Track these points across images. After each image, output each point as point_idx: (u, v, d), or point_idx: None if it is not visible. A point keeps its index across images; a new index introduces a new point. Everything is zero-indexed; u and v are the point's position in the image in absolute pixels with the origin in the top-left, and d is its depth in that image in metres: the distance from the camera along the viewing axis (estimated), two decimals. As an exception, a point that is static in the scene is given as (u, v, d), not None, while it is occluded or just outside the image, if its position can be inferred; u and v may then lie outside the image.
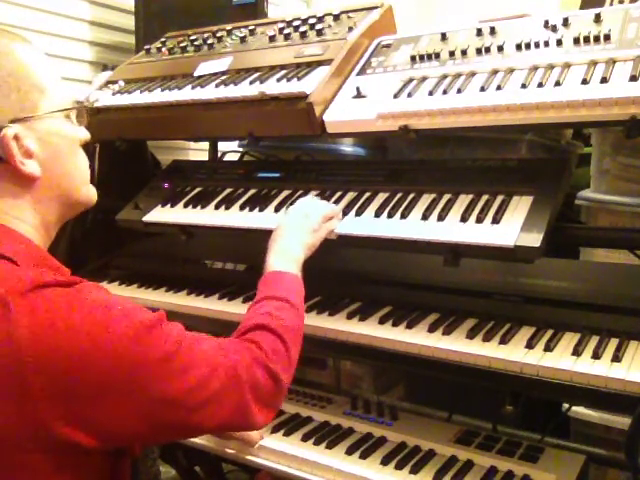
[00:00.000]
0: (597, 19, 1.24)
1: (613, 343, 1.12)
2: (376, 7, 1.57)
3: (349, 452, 1.28)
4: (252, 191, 1.54)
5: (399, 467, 1.22)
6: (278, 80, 1.43)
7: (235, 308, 1.44)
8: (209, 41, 1.75)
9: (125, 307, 0.88)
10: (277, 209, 1.43)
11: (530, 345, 1.13)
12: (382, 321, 1.28)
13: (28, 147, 0.92)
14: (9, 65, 0.92)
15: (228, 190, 1.58)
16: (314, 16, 1.62)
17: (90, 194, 1.05)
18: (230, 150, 2.05)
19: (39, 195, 0.96)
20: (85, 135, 1.05)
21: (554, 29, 1.27)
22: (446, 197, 1.27)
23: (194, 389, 0.89)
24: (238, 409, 0.95)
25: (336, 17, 1.59)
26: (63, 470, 0.84)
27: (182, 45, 1.83)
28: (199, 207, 1.54)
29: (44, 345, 0.80)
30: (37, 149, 0.94)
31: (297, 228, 1.22)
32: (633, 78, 1.06)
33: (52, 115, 0.96)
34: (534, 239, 1.08)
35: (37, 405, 0.79)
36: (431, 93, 1.24)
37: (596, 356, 1.07)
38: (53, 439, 0.81)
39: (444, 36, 1.39)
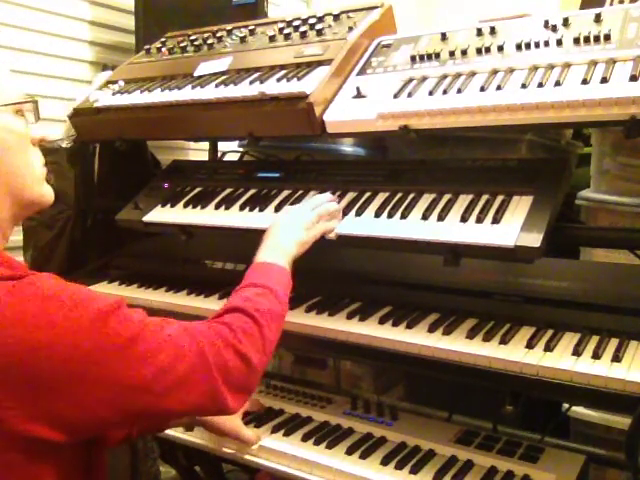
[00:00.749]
0: (597, 19, 1.24)
1: (613, 343, 1.12)
2: (376, 7, 1.57)
3: (349, 452, 1.28)
4: (252, 191, 1.54)
5: (399, 467, 1.22)
6: (278, 80, 1.43)
7: (235, 308, 1.44)
8: (209, 41, 1.75)
9: (80, 295, 0.87)
10: (277, 209, 1.43)
11: (530, 345, 1.13)
12: (382, 321, 1.28)
13: None
14: None
15: (228, 190, 1.58)
16: (314, 16, 1.62)
17: (44, 193, 1.02)
18: (230, 150, 2.05)
19: None
20: (39, 134, 1.01)
21: (554, 29, 1.27)
22: (446, 197, 1.27)
23: (160, 374, 0.88)
24: (208, 392, 0.94)
25: (336, 17, 1.59)
26: (39, 466, 0.84)
27: (182, 45, 1.83)
28: (199, 207, 1.54)
29: None
30: None
31: (290, 225, 1.23)
32: (633, 78, 1.05)
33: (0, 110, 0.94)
34: (534, 239, 1.08)
35: None
36: (431, 93, 1.24)
37: (596, 356, 1.07)
38: (20, 437, 0.80)
39: (444, 36, 1.39)
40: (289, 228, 1.22)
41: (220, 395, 0.95)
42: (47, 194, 1.03)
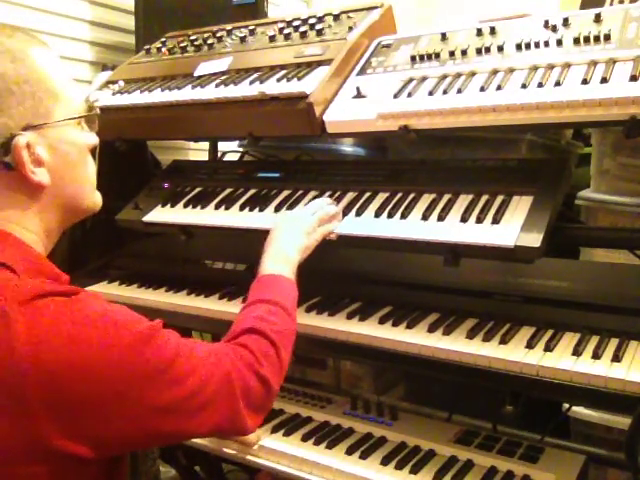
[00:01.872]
0: (597, 19, 1.24)
1: (613, 343, 1.12)
2: (376, 7, 1.57)
3: (349, 452, 1.28)
4: (252, 191, 1.54)
5: (399, 467, 1.22)
6: (278, 80, 1.43)
7: (235, 308, 1.43)
8: (209, 41, 1.75)
9: (124, 317, 0.88)
10: (277, 209, 1.42)
11: (530, 345, 1.13)
12: (382, 321, 1.28)
13: (39, 155, 0.91)
14: (25, 71, 0.90)
15: (228, 190, 1.58)
16: (314, 16, 1.62)
17: (96, 200, 1.04)
18: (230, 150, 2.05)
19: (45, 203, 0.94)
20: (94, 140, 1.03)
21: (554, 29, 1.27)
22: (446, 197, 1.27)
23: (190, 397, 0.89)
24: (230, 414, 0.95)
25: (336, 17, 1.59)
26: (60, 479, 0.84)
27: (182, 45, 1.83)
28: (199, 207, 1.54)
29: (44, 356, 0.79)
30: (47, 157, 0.92)
31: (292, 231, 1.22)
32: (633, 78, 1.05)
33: (65, 123, 0.95)
34: (534, 239, 1.08)
35: (36, 418, 0.79)
36: (431, 93, 1.24)
37: (596, 356, 1.07)
38: (51, 451, 0.80)
39: (444, 36, 1.39)
40: (291, 235, 1.22)
41: (241, 417, 0.96)
42: (98, 201, 1.05)
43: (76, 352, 0.81)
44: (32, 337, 0.79)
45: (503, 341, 1.15)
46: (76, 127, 0.98)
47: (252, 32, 1.71)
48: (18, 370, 0.78)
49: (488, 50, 1.30)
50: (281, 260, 1.18)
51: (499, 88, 1.18)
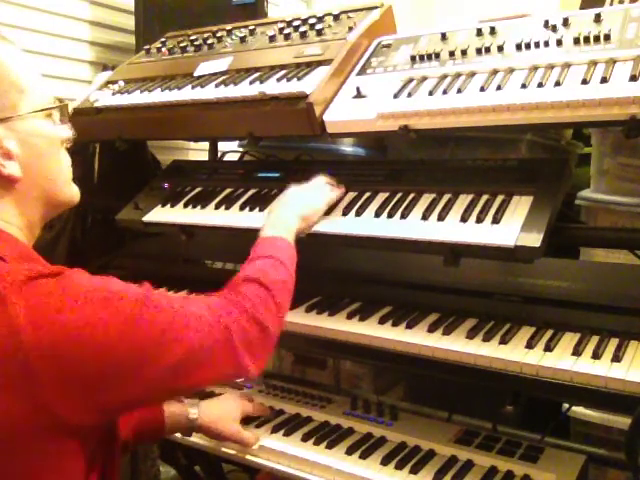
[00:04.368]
0: (597, 19, 1.24)
1: (613, 343, 1.12)
2: (376, 7, 1.57)
3: (349, 452, 1.28)
4: (252, 191, 1.54)
5: (399, 467, 1.22)
6: (278, 80, 1.43)
7: (235, 308, 1.44)
8: (209, 41, 1.75)
9: (115, 287, 0.89)
10: (277, 209, 1.43)
11: (530, 345, 1.13)
12: (382, 321, 1.28)
13: (8, 148, 0.91)
14: None
15: (228, 190, 1.58)
16: (314, 16, 1.63)
17: (73, 193, 1.05)
18: (230, 150, 2.05)
19: (21, 196, 0.95)
20: (67, 134, 1.03)
21: (554, 29, 1.27)
22: (446, 197, 1.27)
23: (189, 352, 0.91)
24: (231, 363, 0.97)
25: (336, 17, 1.59)
26: (62, 456, 0.85)
27: (182, 45, 1.83)
28: (199, 207, 1.54)
29: (44, 332, 0.80)
30: (17, 150, 0.92)
31: (293, 201, 1.26)
32: (633, 78, 1.06)
33: (32, 115, 0.95)
34: (534, 239, 1.08)
35: (42, 390, 0.80)
36: (431, 93, 1.24)
37: (596, 356, 1.07)
38: (57, 423, 0.82)
39: (444, 36, 1.39)
40: (291, 204, 1.25)
41: (243, 364, 0.98)
42: (75, 194, 1.06)
43: (75, 324, 0.82)
44: (31, 316, 0.80)
45: (503, 341, 1.15)
46: (47, 120, 0.99)
47: (252, 32, 1.71)
48: (22, 349, 0.79)
49: (488, 50, 1.30)
50: (280, 227, 1.20)
51: (499, 88, 1.18)
